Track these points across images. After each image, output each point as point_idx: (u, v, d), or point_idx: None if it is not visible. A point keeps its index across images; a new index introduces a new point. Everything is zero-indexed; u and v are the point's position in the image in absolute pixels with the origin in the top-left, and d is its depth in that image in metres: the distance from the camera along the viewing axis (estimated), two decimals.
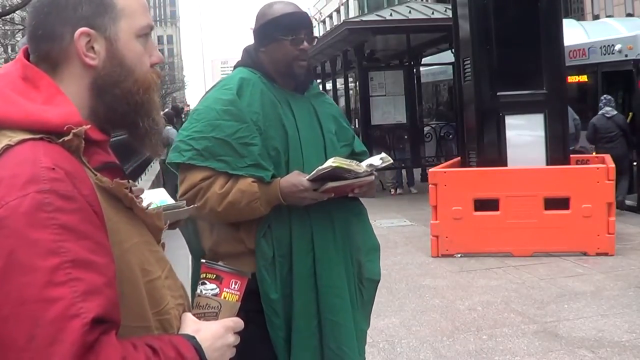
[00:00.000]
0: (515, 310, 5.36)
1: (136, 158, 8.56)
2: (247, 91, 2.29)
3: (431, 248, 7.27)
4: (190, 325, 1.21)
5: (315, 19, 58.74)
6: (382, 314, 5.35)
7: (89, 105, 1.17)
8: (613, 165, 7.17)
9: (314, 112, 2.41)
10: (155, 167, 11.98)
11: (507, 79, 7.47)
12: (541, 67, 7.50)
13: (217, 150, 2.21)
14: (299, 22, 2.32)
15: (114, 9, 1.17)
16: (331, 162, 2.15)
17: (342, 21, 17.83)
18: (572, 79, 11.00)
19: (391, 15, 12.16)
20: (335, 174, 2.19)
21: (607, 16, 22.58)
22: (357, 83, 13.72)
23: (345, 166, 2.16)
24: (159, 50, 1.29)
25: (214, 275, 1.27)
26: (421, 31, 12.11)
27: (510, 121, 7.58)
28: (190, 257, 2.58)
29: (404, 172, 12.73)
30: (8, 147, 1.04)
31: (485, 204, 7.15)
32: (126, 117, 1.20)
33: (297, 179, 2.21)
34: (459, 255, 7.12)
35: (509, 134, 7.56)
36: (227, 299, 1.26)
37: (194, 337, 1.15)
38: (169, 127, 8.98)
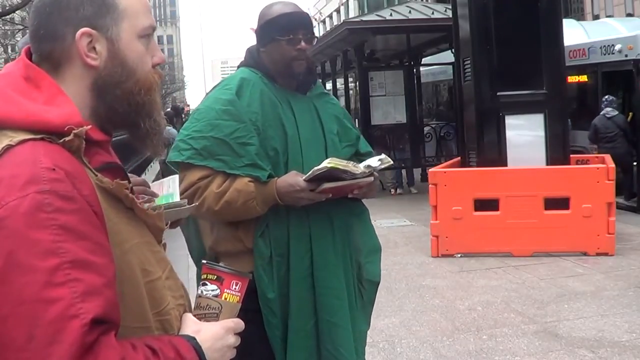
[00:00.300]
0: (515, 310, 5.36)
1: (136, 158, 8.56)
2: (246, 91, 2.30)
3: (431, 248, 7.27)
4: (191, 326, 1.20)
5: (315, 19, 58.72)
6: (382, 314, 5.35)
7: (90, 105, 1.17)
8: (613, 165, 7.18)
9: (315, 112, 2.41)
10: (155, 167, 11.98)
11: (507, 79, 7.46)
12: (541, 67, 7.50)
13: (215, 150, 2.22)
14: (296, 22, 2.33)
15: (116, 10, 1.17)
16: (326, 163, 2.15)
17: (342, 21, 17.83)
18: (572, 79, 10.99)
19: (391, 15, 12.16)
20: (332, 174, 2.18)
21: (607, 16, 22.58)
22: (357, 83, 13.72)
23: (341, 167, 2.16)
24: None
25: (215, 276, 1.27)
26: (421, 31, 12.11)
27: (510, 121, 7.58)
28: (189, 257, 2.59)
29: (404, 172, 12.72)
30: (9, 147, 1.04)
31: (485, 204, 7.15)
32: (127, 117, 1.20)
33: (294, 179, 2.22)
34: (459, 255, 7.12)
35: (509, 134, 7.56)
36: (227, 300, 1.26)
37: (194, 338, 1.15)
38: (169, 127, 8.99)
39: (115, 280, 1.04)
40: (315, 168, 2.16)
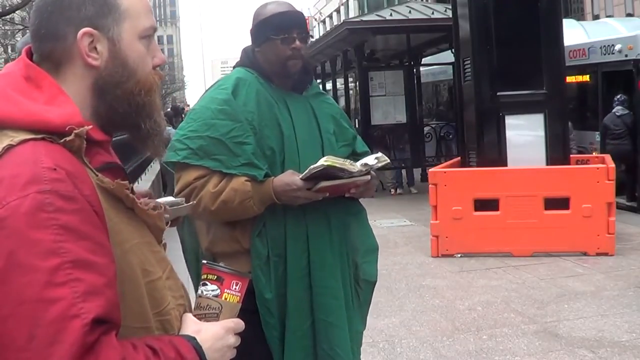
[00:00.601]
0: (515, 310, 5.36)
1: (136, 158, 8.55)
2: (242, 91, 2.30)
3: (431, 248, 7.27)
4: (191, 326, 1.21)
5: (315, 19, 58.73)
6: (382, 314, 5.35)
7: (91, 105, 1.17)
8: (613, 165, 7.18)
9: (312, 112, 2.41)
10: (155, 167, 11.98)
11: (507, 79, 7.47)
12: (541, 67, 7.50)
13: (211, 150, 2.22)
14: (291, 21, 2.32)
15: (117, 10, 1.17)
16: (323, 161, 2.14)
17: (342, 21, 17.82)
18: (572, 79, 10.99)
19: (391, 15, 12.16)
20: (329, 173, 2.18)
21: (607, 16, 22.56)
22: (357, 83, 13.73)
23: (337, 165, 2.15)
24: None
25: (215, 277, 1.27)
26: (421, 31, 12.11)
27: (510, 121, 7.58)
28: None
29: (404, 172, 12.73)
30: (9, 147, 1.04)
31: (485, 204, 7.15)
32: (128, 118, 1.20)
33: (290, 178, 2.21)
34: (459, 255, 7.12)
35: (509, 134, 7.56)
36: (228, 300, 1.26)
37: (194, 338, 1.15)
38: (169, 127, 8.98)
39: (116, 280, 1.04)
40: (312, 166, 2.16)
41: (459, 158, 8.59)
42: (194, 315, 1.24)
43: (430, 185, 7.34)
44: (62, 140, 1.07)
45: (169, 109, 14.67)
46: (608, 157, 8.12)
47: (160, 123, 1.24)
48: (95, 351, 0.97)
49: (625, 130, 9.95)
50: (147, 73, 1.21)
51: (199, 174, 2.23)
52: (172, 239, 1.66)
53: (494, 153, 7.57)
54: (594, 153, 10.11)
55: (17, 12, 18.71)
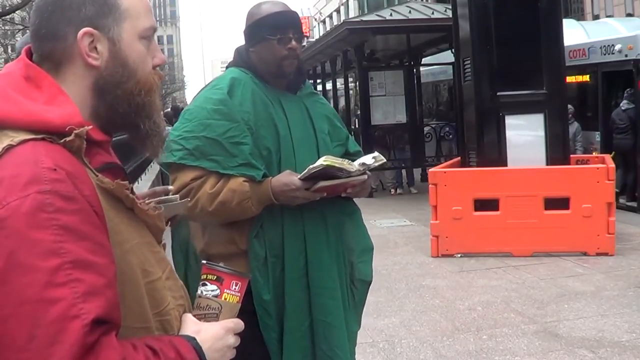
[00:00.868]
0: (515, 310, 5.36)
1: (136, 158, 8.55)
2: (238, 91, 2.28)
3: (431, 248, 7.27)
4: (191, 326, 1.20)
5: (315, 19, 58.70)
6: (382, 314, 5.36)
7: (91, 105, 1.17)
8: (613, 165, 7.18)
9: (306, 111, 2.40)
10: (155, 167, 11.98)
11: (507, 79, 7.47)
12: (541, 67, 7.50)
13: (208, 150, 2.20)
14: (286, 21, 2.31)
15: (117, 10, 1.17)
16: (322, 161, 2.14)
17: (342, 21, 17.82)
18: (572, 79, 10.99)
19: (391, 15, 12.16)
20: (327, 172, 2.18)
21: (607, 16, 22.55)
22: (357, 83, 13.73)
23: (337, 165, 2.15)
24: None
25: (215, 277, 1.27)
26: (421, 31, 12.11)
27: (510, 121, 7.58)
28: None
29: (404, 172, 12.73)
30: (9, 147, 1.04)
31: (485, 204, 7.15)
32: (127, 118, 1.20)
33: (289, 178, 2.20)
34: (459, 255, 7.12)
35: (509, 134, 7.56)
36: (227, 300, 1.26)
37: (194, 338, 1.15)
38: (168, 127, 8.96)
39: (115, 281, 1.04)
40: (311, 166, 2.15)
41: (459, 158, 8.59)
42: (194, 316, 1.24)
43: (430, 185, 7.34)
44: (62, 141, 1.07)
45: (168, 109, 14.66)
46: (608, 157, 8.12)
47: (160, 123, 1.24)
48: (95, 351, 0.97)
49: (628, 124, 9.96)
50: (147, 73, 1.21)
51: (195, 174, 2.20)
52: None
53: (494, 153, 7.57)
54: (594, 153, 10.10)
55: (17, 12, 18.70)
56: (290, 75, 2.35)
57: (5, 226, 0.97)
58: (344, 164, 2.18)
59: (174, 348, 1.09)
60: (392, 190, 12.40)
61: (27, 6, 16.75)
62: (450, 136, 12.81)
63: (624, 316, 5.09)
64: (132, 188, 1.18)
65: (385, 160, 2.39)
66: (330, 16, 56.81)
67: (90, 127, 1.11)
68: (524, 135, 7.68)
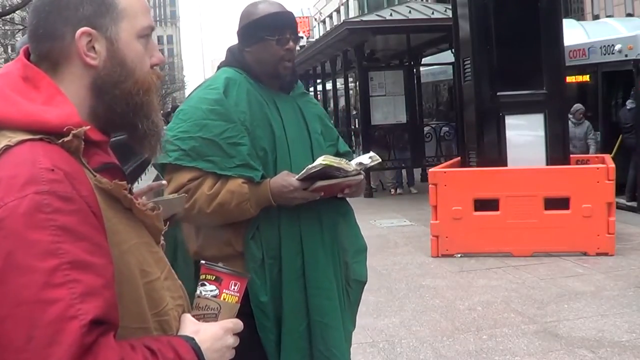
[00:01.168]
0: (515, 310, 5.36)
1: (136, 158, 8.55)
2: (233, 91, 2.26)
3: (431, 248, 7.27)
4: (190, 326, 1.20)
5: (315, 19, 58.70)
6: (382, 314, 5.36)
7: (89, 105, 1.17)
8: (613, 165, 7.18)
9: (300, 111, 2.39)
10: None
11: (507, 79, 7.47)
12: (541, 67, 7.50)
13: (204, 151, 2.17)
14: (284, 21, 2.30)
15: (115, 9, 1.17)
16: (321, 161, 2.13)
17: (342, 21, 17.81)
18: (572, 79, 10.99)
19: (391, 15, 12.16)
20: (325, 172, 2.17)
21: (607, 16, 22.55)
22: (357, 83, 13.72)
23: (335, 164, 2.14)
24: (159, 50, 1.29)
25: (214, 277, 1.27)
26: (421, 31, 12.11)
27: (510, 121, 7.58)
28: None
29: (404, 172, 12.74)
30: (7, 148, 1.04)
31: (485, 204, 7.15)
32: (125, 117, 1.20)
33: (286, 179, 2.19)
34: (459, 255, 7.12)
35: (509, 134, 7.56)
36: (226, 300, 1.26)
37: (192, 339, 1.15)
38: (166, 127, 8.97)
39: (114, 281, 1.04)
40: (310, 166, 2.14)
41: (459, 158, 8.59)
42: (193, 316, 1.24)
43: (430, 185, 7.34)
44: (60, 141, 1.07)
45: (169, 109, 14.64)
46: (608, 157, 8.12)
47: (158, 123, 1.24)
48: (93, 352, 0.96)
49: (633, 124, 9.95)
50: (145, 73, 1.21)
51: (192, 175, 2.17)
52: None
53: (494, 153, 7.57)
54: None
55: (17, 12, 18.69)
56: (287, 77, 2.34)
57: (3, 227, 0.97)
58: (342, 163, 2.17)
59: (172, 348, 1.09)
60: (392, 190, 12.40)
61: (27, 6, 16.73)
62: (450, 136, 12.81)
63: (624, 316, 5.09)
64: (130, 188, 1.18)
65: (380, 160, 2.39)
66: (330, 16, 56.81)
67: (88, 127, 1.11)
68: (524, 135, 7.68)
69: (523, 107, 7.53)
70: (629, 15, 22.57)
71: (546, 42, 7.49)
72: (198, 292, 1.27)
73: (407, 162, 12.54)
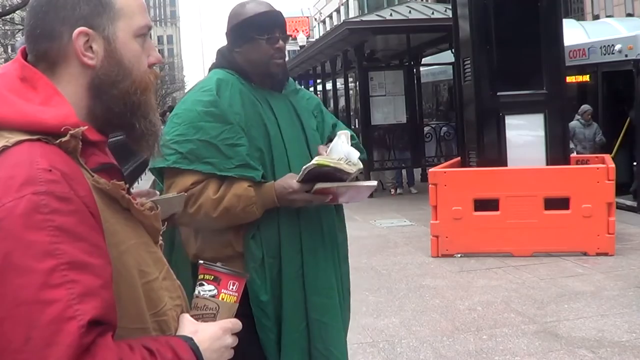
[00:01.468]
0: (515, 310, 5.36)
1: (135, 159, 8.55)
2: (226, 92, 2.25)
3: (431, 248, 7.27)
4: (188, 326, 1.20)
5: (315, 19, 58.71)
6: (382, 314, 5.35)
7: (87, 105, 1.17)
8: (613, 165, 7.17)
9: (293, 109, 2.38)
10: None
11: (507, 79, 7.46)
12: (541, 67, 7.50)
13: (202, 153, 2.16)
14: (273, 20, 2.29)
15: (112, 9, 1.17)
16: (315, 160, 2.11)
17: (342, 21, 17.82)
18: (572, 79, 10.99)
19: (391, 15, 12.16)
20: (326, 174, 2.14)
21: (607, 16, 22.54)
22: (357, 83, 13.72)
23: (331, 164, 2.10)
24: (159, 50, 1.28)
25: (212, 277, 1.27)
26: (421, 31, 12.11)
27: (510, 121, 7.58)
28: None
29: (404, 172, 12.74)
30: (5, 148, 1.04)
31: (485, 204, 7.15)
32: (123, 117, 1.19)
33: (287, 181, 2.18)
34: (459, 255, 7.12)
35: (509, 134, 7.56)
36: (225, 300, 1.26)
37: (191, 339, 1.15)
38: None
39: (112, 282, 1.04)
40: (305, 167, 2.13)
41: (459, 158, 8.59)
42: (191, 316, 1.24)
43: (430, 185, 7.34)
44: (57, 141, 1.07)
45: (165, 109, 14.63)
46: (608, 157, 8.11)
47: (156, 123, 1.24)
48: (91, 353, 0.96)
49: None
50: (143, 72, 1.21)
51: (194, 179, 2.16)
52: None
53: (494, 153, 7.57)
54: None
55: (17, 12, 18.70)
56: (278, 76, 2.33)
57: (1, 228, 0.97)
58: (340, 163, 2.13)
59: (171, 348, 1.09)
60: (392, 190, 12.40)
61: (27, 6, 16.74)
62: (450, 136, 12.81)
63: (624, 316, 5.08)
64: (128, 188, 1.17)
65: (360, 168, 2.26)
66: (330, 16, 56.82)
67: (86, 127, 1.11)
68: (524, 135, 7.68)
69: (523, 107, 7.53)
70: (629, 15, 22.59)
71: (546, 42, 7.49)
72: (196, 292, 1.27)
73: (407, 162, 12.54)
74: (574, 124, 10.47)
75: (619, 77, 10.51)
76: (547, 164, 7.48)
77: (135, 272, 1.13)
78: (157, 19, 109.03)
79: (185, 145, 2.16)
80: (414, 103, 12.85)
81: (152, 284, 1.17)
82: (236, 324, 1.25)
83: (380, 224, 9.33)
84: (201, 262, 1.30)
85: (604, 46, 10.60)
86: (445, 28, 10.26)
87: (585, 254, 6.92)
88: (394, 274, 6.54)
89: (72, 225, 1.00)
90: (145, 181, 9.65)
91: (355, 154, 2.19)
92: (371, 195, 11.93)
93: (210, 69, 2.43)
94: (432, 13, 12.04)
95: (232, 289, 1.26)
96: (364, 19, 12.84)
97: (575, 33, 12.00)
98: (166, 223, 1.35)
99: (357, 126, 13.63)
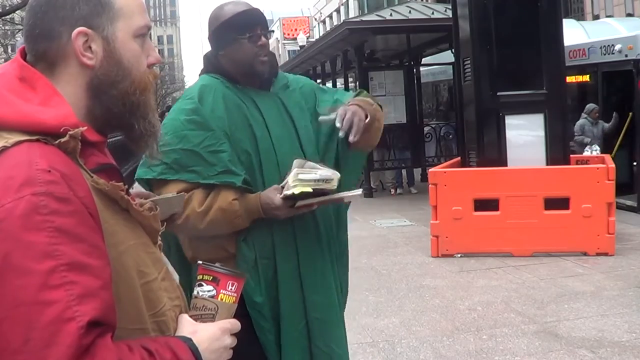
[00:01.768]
0: (515, 310, 5.36)
1: (135, 159, 8.54)
2: (209, 97, 2.25)
3: (431, 248, 7.26)
4: (187, 327, 1.20)
5: (315, 19, 58.67)
6: (382, 314, 5.35)
7: (86, 105, 1.17)
8: (613, 165, 7.17)
9: (282, 107, 2.35)
10: None
11: (507, 79, 7.47)
12: (541, 67, 7.50)
13: (186, 162, 2.16)
14: (253, 19, 2.28)
15: (111, 9, 1.16)
16: (293, 188, 2.07)
17: (342, 21, 17.81)
18: (572, 79, 10.99)
19: (391, 15, 12.16)
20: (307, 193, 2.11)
21: (607, 16, 22.53)
22: (357, 83, 13.71)
23: (310, 189, 2.06)
24: (159, 50, 1.28)
25: (211, 277, 1.27)
26: (421, 31, 12.11)
27: (510, 121, 7.58)
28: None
29: (404, 172, 12.74)
30: (4, 149, 1.04)
31: (485, 204, 7.15)
32: (122, 118, 1.19)
33: (271, 196, 2.16)
34: (459, 255, 7.12)
35: (509, 134, 7.56)
36: (224, 300, 1.25)
37: (190, 339, 1.15)
38: None
39: (111, 283, 1.04)
40: (285, 193, 2.10)
41: (459, 158, 8.59)
42: (190, 316, 1.23)
43: (430, 185, 7.34)
44: (56, 142, 1.06)
45: (163, 109, 14.63)
46: (608, 157, 8.11)
47: (155, 123, 1.24)
48: (91, 353, 0.96)
49: None
50: (142, 72, 1.21)
51: (179, 188, 2.14)
52: None
53: (494, 153, 7.57)
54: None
55: (17, 12, 18.69)
56: (264, 74, 2.31)
57: (0, 228, 0.97)
58: (320, 184, 2.10)
59: (170, 349, 1.09)
60: (392, 190, 12.40)
61: (27, 6, 16.73)
62: (450, 136, 12.81)
63: (624, 316, 5.08)
64: (127, 189, 1.17)
65: (338, 176, 2.22)
66: (330, 16, 56.78)
67: (85, 127, 1.11)
68: (524, 135, 7.68)
69: (523, 107, 7.53)
70: (629, 15, 22.57)
71: (546, 42, 7.49)
72: (195, 292, 1.27)
73: (407, 162, 12.54)
74: (582, 122, 10.50)
75: (619, 77, 10.51)
76: (547, 164, 7.48)
77: (135, 272, 1.13)
78: (157, 19, 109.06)
79: (170, 155, 2.15)
80: (414, 103, 12.84)
81: (151, 285, 1.17)
82: (235, 324, 1.25)
83: (380, 224, 9.33)
84: (200, 262, 1.30)
85: (604, 46, 10.60)
86: (445, 28, 10.25)
87: (585, 254, 6.92)
88: (394, 274, 6.54)
89: (71, 226, 0.99)
90: None
91: (326, 171, 2.16)
92: (371, 195, 11.98)
93: (199, 75, 2.42)
94: (432, 13, 12.04)
95: (231, 289, 1.26)
96: (364, 19, 12.83)
97: (575, 33, 12.00)
98: (165, 223, 1.35)
99: None
